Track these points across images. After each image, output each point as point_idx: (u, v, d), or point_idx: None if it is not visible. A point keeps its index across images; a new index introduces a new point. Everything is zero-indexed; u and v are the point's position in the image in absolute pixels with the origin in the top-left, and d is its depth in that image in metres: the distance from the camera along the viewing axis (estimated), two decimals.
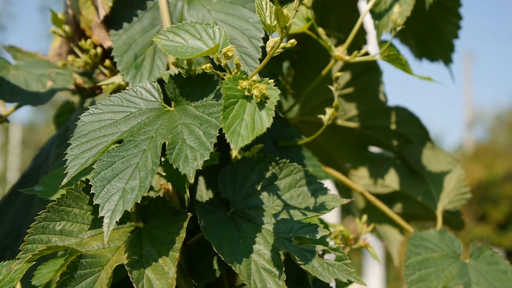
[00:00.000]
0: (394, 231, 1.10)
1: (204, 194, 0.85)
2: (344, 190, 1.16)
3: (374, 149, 1.13)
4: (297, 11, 0.61)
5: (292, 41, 0.63)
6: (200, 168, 0.61)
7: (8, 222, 0.88)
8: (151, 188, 0.81)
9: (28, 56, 0.94)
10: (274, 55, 0.64)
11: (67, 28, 0.90)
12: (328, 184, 1.20)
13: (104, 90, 0.83)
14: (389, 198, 1.08)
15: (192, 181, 0.61)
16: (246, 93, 0.62)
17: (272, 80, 0.64)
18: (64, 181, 0.63)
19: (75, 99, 1.02)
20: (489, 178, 6.35)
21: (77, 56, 0.90)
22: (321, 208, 0.75)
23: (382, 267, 4.35)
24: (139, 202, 0.60)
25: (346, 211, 1.28)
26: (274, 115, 0.61)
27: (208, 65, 0.65)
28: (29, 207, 0.86)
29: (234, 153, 0.59)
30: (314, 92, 1.02)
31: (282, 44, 0.63)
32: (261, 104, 0.62)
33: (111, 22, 0.82)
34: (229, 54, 0.65)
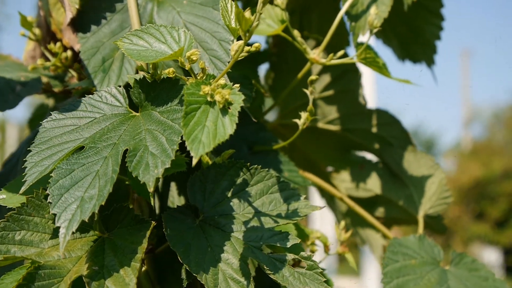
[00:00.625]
0: (377, 236, 1.08)
1: (176, 200, 0.83)
2: (327, 194, 1.14)
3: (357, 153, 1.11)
4: (260, 13, 0.59)
5: (257, 44, 0.61)
6: (160, 177, 0.59)
7: None
8: None
9: None
10: (239, 58, 0.62)
11: (37, 30, 0.88)
12: (311, 188, 1.18)
13: (74, 94, 0.81)
14: (371, 202, 1.06)
15: (151, 190, 0.59)
16: (209, 99, 0.60)
17: (238, 85, 0.62)
18: (22, 189, 0.62)
19: (50, 102, 1.00)
20: (486, 175, 6.34)
21: (47, 59, 0.88)
22: (293, 215, 0.73)
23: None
24: (96, 212, 0.58)
25: None
26: (237, 122, 0.59)
27: (171, 69, 0.63)
28: None
29: (194, 161, 0.56)
30: (293, 94, 1.00)
31: (247, 48, 0.61)
32: (224, 110, 0.60)
33: (79, 24, 0.80)
34: (193, 58, 0.63)
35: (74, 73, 0.85)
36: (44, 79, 0.87)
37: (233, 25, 0.62)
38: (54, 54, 0.86)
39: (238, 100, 0.60)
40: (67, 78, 0.90)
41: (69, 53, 0.85)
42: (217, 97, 0.59)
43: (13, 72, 0.87)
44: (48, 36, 0.91)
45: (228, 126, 0.59)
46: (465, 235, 6.17)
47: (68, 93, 0.89)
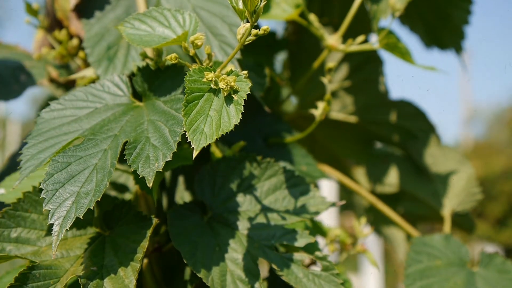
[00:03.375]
0: (401, 233, 1.03)
1: (186, 195, 0.79)
2: (348, 189, 1.08)
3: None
4: None
5: (265, 27, 0.56)
6: (161, 170, 0.55)
7: None
8: (126, 189, 0.75)
9: (6, 48, 0.89)
10: (246, 43, 0.57)
11: (43, 18, 0.84)
12: (332, 183, 1.13)
13: (78, 83, 0.78)
14: (394, 198, 1.00)
15: (150, 184, 0.54)
16: (213, 86, 0.55)
17: (245, 72, 0.57)
18: (16, 184, 0.58)
19: (59, 93, 0.97)
20: (487, 175, 6.20)
21: (53, 48, 0.84)
22: (308, 211, 0.69)
23: (381, 262, 4.24)
24: (91, 208, 0.54)
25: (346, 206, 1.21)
26: (243, 111, 0.54)
27: (173, 55, 0.59)
28: None
29: (195, 153, 0.52)
30: (312, 84, 0.95)
31: (254, 31, 0.56)
32: (229, 99, 0.55)
33: (83, 10, 0.76)
34: (198, 43, 0.59)
35: (79, 62, 0.81)
36: (50, 69, 0.83)
37: (241, 7, 0.57)
38: (61, 43, 0.83)
39: (244, 87, 0.55)
40: (75, 68, 0.87)
41: (75, 41, 0.82)
42: (221, 84, 0.54)
43: (18, 62, 0.83)
44: (55, 24, 0.87)
45: (233, 116, 0.54)
46: (465, 234, 6.05)
47: (74, 83, 0.85)
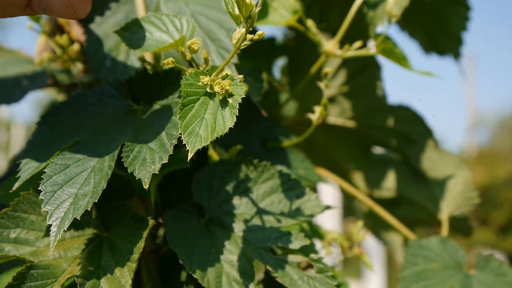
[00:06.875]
0: (399, 237, 1.03)
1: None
2: (348, 194, 1.09)
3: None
4: None
5: (260, 32, 0.57)
6: (157, 172, 0.56)
7: None
8: None
9: (8, 53, 0.90)
10: (242, 47, 0.58)
11: (44, 23, 0.85)
12: (335, 189, 1.13)
13: (79, 88, 0.79)
14: (393, 203, 1.01)
15: (146, 186, 0.55)
16: (209, 90, 0.56)
17: (241, 76, 0.58)
18: (15, 186, 0.59)
19: (61, 98, 0.98)
20: (491, 182, 6.20)
21: (55, 53, 0.85)
22: (304, 214, 0.69)
23: (383, 268, 4.23)
24: (89, 209, 0.55)
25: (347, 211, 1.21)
26: (237, 114, 0.55)
27: (170, 59, 0.60)
28: None
29: (190, 155, 0.53)
30: (311, 90, 0.96)
31: (249, 36, 0.57)
32: (224, 102, 0.56)
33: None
34: (195, 48, 0.60)
35: (80, 67, 0.82)
36: (52, 73, 0.84)
37: (237, 12, 0.58)
38: (63, 48, 0.84)
39: (239, 91, 0.56)
40: (76, 72, 0.88)
41: (76, 46, 0.83)
42: (217, 88, 0.55)
43: (20, 66, 0.85)
44: (56, 29, 0.88)
45: (228, 119, 0.55)
46: (469, 240, 6.04)
47: (76, 88, 0.86)
